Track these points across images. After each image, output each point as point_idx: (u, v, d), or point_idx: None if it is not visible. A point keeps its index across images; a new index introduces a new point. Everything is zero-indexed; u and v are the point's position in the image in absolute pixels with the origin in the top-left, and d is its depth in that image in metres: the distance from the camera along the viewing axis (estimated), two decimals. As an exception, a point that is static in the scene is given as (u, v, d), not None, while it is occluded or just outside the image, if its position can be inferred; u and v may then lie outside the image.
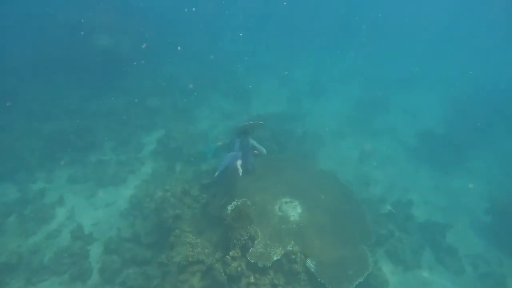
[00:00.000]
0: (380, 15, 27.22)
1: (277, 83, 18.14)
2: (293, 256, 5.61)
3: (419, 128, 13.78)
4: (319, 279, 5.48)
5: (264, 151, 7.32)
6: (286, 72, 18.73)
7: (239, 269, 5.51)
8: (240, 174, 7.05)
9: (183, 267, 5.85)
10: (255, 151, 7.37)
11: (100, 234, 8.11)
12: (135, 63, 15.28)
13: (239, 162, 7.17)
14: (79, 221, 8.56)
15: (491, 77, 16.95)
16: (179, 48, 17.85)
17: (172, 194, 7.46)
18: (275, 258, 5.63)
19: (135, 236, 7.69)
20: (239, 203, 6.16)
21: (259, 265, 5.55)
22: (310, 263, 5.64)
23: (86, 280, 7.08)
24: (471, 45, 25.55)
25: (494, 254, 8.51)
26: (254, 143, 7.31)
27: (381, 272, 6.91)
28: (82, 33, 14.29)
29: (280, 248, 5.78)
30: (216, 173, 7.18)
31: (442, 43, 26.42)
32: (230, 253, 5.67)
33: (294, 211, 6.62)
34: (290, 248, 5.75)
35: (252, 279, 5.65)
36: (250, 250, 5.74)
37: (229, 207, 6.16)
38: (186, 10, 21.05)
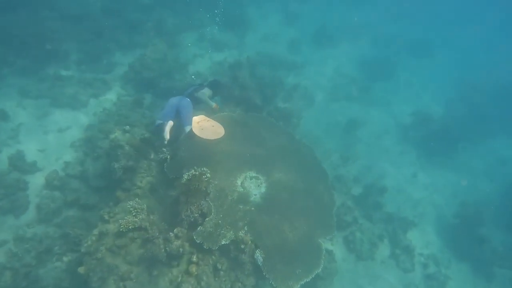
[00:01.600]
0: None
1: (281, 20, 16.14)
2: (242, 246, 5.12)
3: (417, 106, 12.87)
4: (264, 273, 5.09)
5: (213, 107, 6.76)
6: (293, 8, 16.57)
7: (180, 249, 5.01)
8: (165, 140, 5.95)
9: (123, 232, 5.30)
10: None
11: (45, 164, 7.34)
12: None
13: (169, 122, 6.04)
14: (24, 143, 7.67)
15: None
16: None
17: (128, 141, 6.59)
18: (223, 243, 5.13)
19: (83, 175, 7.00)
20: (196, 173, 5.41)
21: (205, 247, 5.06)
22: (258, 255, 5.19)
23: (20, 215, 6.51)
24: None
25: (446, 255, 8.48)
26: (204, 96, 6.62)
27: (333, 264, 6.68)
28: None
29: (231, 232, 5.26)
30: (157, 122, 6.17)
31: (473, 14, 23.83)
32: (175, 230, 5.11)
33: (257, 189, 5.98)
34: (242, 235, 5.23)
35: (194, 258, 5.21)
36: (199, 229, 5.19)
37: (184, 176, 5.42)
38: None
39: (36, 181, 6.99)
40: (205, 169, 5.55)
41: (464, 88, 14.13)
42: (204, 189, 5.39)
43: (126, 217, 5.22)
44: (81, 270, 5.02)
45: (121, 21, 11.53)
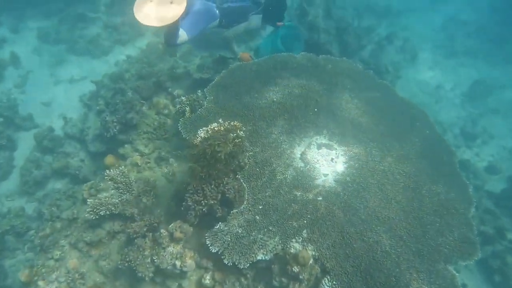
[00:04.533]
0: None
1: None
2: (296, 269, 2.76)
3: None
4: (338, 327, 2.68)
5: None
6: None
7: (177, 263, 2.85)
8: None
9: (99, 219, 3.36)
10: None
11: (45, 120, 5.90)
12: None
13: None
14: (30, 94, 6.39)
15: None
16: None
17: (134, 86, 4.68)
18: (260, 257, 2.85)
19: (82, 135, 5.32)
20: (221, 128, 3.20)
21: (226, 262, 2.84)
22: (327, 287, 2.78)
23: (0, 181, 5.10)
24: None
25: None
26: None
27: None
28: None
29: (277, 239, 2.94)
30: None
31: None
32: (171, 226, 2.97)
33: (329, 165, 3.52)
34: (296, 247, 2.87)
35: (207, 280, 3.04)
36: (217, 227, 2.97)
37: (200, 132, 3.25)
38: None
39: (30, 140, 5.53)
40: (236, 123, 3.31)
41: None
42: (232, 158, 3.16)
43: (99, 196, 3.27)
44: (22, 275, 3.20)
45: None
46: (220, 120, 3.37)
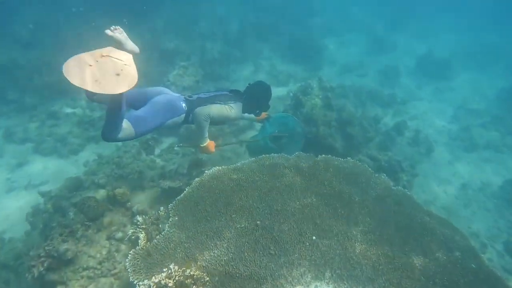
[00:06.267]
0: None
1: (367, 49, 13.31)
2: None
3: None
4: None
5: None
6: (382, 35, 13.72)
7: None
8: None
9: None
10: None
11: (-18, 239, 4.92)
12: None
13: None
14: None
15: None
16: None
17: (80, 202, 3.81)
18: None
19: (16, 264, 4.28)
20: (171, 282, 2.22)
21: None
22: None
23: None
24: None
25: None
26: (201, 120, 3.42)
27: None
28: None
29: None
30: None
31: None
32: None
33: (338, 337, 2.41)
34: None
35: None
36: None
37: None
38: None
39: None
40: (195, 271, 2.34)
41: None
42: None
43: None
44: None
45: (154, 51, 9.85)
46: (171, 266, 2.40)
